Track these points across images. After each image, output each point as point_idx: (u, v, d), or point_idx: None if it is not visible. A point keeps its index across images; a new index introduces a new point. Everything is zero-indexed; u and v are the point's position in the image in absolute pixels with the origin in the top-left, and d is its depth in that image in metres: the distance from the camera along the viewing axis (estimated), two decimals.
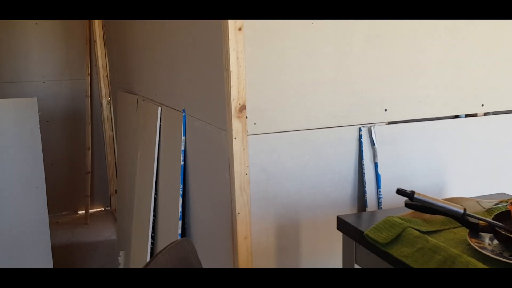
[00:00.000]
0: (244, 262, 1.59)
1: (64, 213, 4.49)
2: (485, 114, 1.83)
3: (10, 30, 4.16)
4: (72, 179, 4.50)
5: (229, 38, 1.46)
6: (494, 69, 1.80)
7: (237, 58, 1.48)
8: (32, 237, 2.66)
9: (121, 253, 3.06)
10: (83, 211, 4.51)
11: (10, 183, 2.57)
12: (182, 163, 2.02)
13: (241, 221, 1.57)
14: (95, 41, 4.33)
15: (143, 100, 2.62)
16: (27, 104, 2.59)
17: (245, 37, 1.49)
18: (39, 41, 4.27)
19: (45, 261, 2.69)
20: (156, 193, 2.34)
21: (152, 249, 2.36)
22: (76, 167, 4.50)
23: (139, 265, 2.50)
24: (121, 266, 3.09)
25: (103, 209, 4.65)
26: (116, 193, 4.29)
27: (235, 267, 1.60)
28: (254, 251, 1.60)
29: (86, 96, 4.43)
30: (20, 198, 2.62)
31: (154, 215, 2.34)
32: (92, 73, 4.43)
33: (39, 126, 2.60)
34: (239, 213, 1.56)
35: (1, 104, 2.56)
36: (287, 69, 1.55)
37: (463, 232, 1.17)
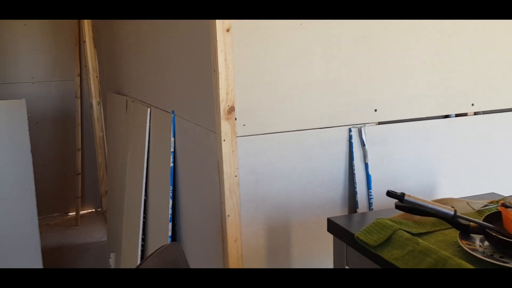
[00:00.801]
0: (235, 264, 1.58)
1: (54, 214, 4.45)
2: (475, 113, 1.83)
3: None
4: (63, 180, 4.46)
5: (217, 39, 1.45)
6: (483, 69, 1.80)
7: (226, 60, 1.46)
8: (22, 239, 2.64)
9: (112, 255, 3.04)
10: (74, 213, 4.48)
11: (1, 186, 2.54)
12: (171, 164, 2.01)
13: (231, 223, 1.55)
14: (84, 41, 4.30)
15: (133, 101, 2.60)
16: (15, 106, 2.56)
17: (233, 38, 1.47)
18: (28, 42, 4.23)
19: (35, 263, 2.67)
20: (146, 195, 2.32)
21: (142, 251, 2.34)
22: (67, 168, 4.46)
23: (130, 267, 2.48)
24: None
25: (93, 210, 4.62)
26: (106, 194, 4.26)
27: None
28: (244, 253, 1.58)
29: (76, 97, 4.39)
30: (10, 200, 2.60)
31: (144, 217, 2.32)
32: (82, 74, 4.40)
33: (28, 127, 2.57)
34: (228, 215, 1.54)
35: None
36: (276, 70, 1.54)
37: (454, 233, 1.17)
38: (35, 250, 2.67)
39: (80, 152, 4.43)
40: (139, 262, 2.34)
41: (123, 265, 2.66)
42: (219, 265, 1.63)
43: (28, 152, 2.60)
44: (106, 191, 4.29)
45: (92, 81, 4.34)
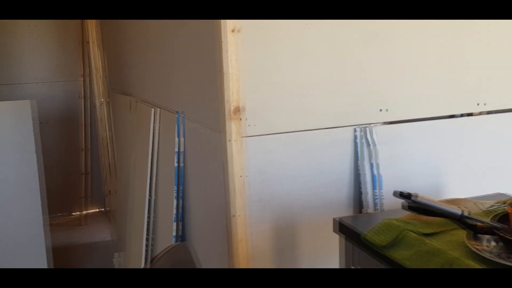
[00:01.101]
0: (241, 264, 1.57)
1: (58, 214, 4.46)
2: (481, 113, 1.83)
3: (3, 32, 4.13)
4: (67, 180, 4.47)
5: (223, 40, 1.45)
6: (489, 68, 1.79)
7: (232, 60, 1.46)
8: (28, 240, 2.64)
9: (116, 254, 3.05)
10: (78, 213, 4.49)
11: (5, 186, 2.55)
12: (176, 165, 2.01)
13: (237, 224, 1.55)
14: (88, 42, 4.31)
15: (138, 101, 2.60)
16: (21, 107, 2.57)
17: (240, 38, 1.47)
18: (33, 43, 4.24)
19: (40, 263, 2.67)
20: (151, 195, 2.33)
21: (147, 251, 2.34)
22: (71, 168, 4.48)
23: (135, 267, 2.48)
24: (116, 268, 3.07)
25: (98, 210, 4.63)
26: (110, 194, 4.27)
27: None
28: (250, 254, 1.58)
29: (80, 97, 4.41)
30: (15, 201, 2.60)
31: (149, 217, 2.32)
32: (86, 74, 4.40)
33: (33, 128, 2.58)
34: (234, 216, 1.54)
35: None
36: (283, 70, 1.54)
37: (462, 234, 1.16)
38: (40, 250, 2.67)
39: (84, 152, 4.44)
40: (143, 262, 2.34)
41: (128, 265, 2.66)
42: (226, 265, 1.64)
43: (33, 153, 2.61)
44: (110, 191, 4.30)
45: (96, 82, 4.35)
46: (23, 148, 2.58)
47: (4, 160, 2.57)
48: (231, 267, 1.59)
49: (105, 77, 4.31)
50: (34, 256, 2.66)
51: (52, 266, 2.72)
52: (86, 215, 4.50)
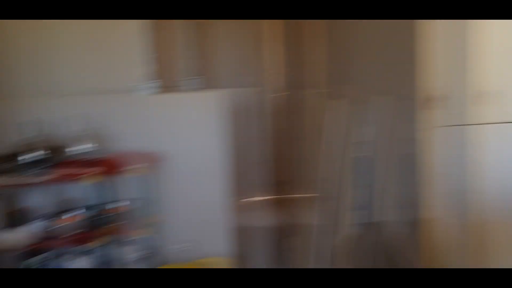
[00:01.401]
0: (429, 260, 1.57)
1: (243, 198, 4.79)
2: None
3: (198, 31, 4.60)
4: (244, 167, 4.78)
5: (422, 29, 1.45)
6: None
7: (429, 48, 1.45)
8: (216, 220, 2.87)
9: (289, 239, 3.16)
10: (257, 198, 4.77)
11: (201, 169, 2.81)
12: (361, 154, 2.05)
13: (427, 217, 1.54)
14: (268, 39, 4.57)
15: (323, 94, 2.68)
16: (218, 96, 2.79)
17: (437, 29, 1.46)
18: (223, 40, 4.64)
19: (227, 244, 2.88)
20: (330, 184, 2.39)
21: (321, 237, 2.41)
22: (248, 156, 4.78)
23: (305, 252, 2.58)
24: (290, 252, 3.19)
25: (271, 197, 4.87)
26: (285, 182, 4.47)
27: (420, 264, 1.58)
28: (438, 248, 1.56)
29: (263, 91, 4.69)
30: (207, 183, 2.84)
31: (332, 205, 2.39)
32: (265, 69, 4.68)
33: (228, 117, 2.78)
34: (425, 208, 1.53)
35: (194, 96, 2.84)
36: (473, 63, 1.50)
37: None
38: (225, 231, 2.88)
39: (261, 142, 4.72)
40: (314, 247, 2.42)
41: (298, 250, 2.75)
42: (413, 259, 1.62)
43: (225, 140, 2.81)
44: (284, 179, 4.51)
45: (276, 76, 4.60)
46: (217, 135, 2.81)
47: (200, 145, 2.82)
48: (420, 259, 1.58)
49: (279, 73, 4.52)
50: (224, 236, 2.88)
51: (232, 246, 2.92)
52: (260, 201, 4.76)
